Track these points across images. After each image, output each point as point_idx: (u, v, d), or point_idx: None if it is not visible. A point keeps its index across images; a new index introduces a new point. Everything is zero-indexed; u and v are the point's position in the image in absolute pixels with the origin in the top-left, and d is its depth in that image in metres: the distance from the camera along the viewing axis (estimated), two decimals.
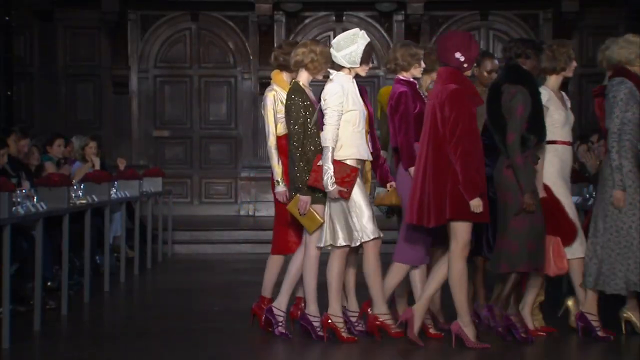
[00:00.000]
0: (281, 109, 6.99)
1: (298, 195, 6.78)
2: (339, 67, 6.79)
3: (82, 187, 8.86)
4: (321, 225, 6.81)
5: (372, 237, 6.87)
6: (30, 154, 9.63)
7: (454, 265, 6.54)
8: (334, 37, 7.35)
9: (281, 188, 7.04)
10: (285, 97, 6.96)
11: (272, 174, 7.06)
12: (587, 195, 8.37)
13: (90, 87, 16.14)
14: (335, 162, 6.63)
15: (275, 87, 7.12)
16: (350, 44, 6.73)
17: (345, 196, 6.71)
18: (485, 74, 7.51)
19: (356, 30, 6.85)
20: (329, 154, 6.63)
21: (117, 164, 12.09)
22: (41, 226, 7.35)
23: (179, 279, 10.66)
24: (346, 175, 6.67)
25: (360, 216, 6.82)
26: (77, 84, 16.10)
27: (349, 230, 6.79)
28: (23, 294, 8.13)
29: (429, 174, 6.54)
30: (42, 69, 15.84)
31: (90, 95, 16.12)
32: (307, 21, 16.13)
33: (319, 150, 6.74)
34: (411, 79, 7.02)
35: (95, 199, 8.95)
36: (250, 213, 15.84)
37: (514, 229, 6.74)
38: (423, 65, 7.03)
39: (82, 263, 8.98)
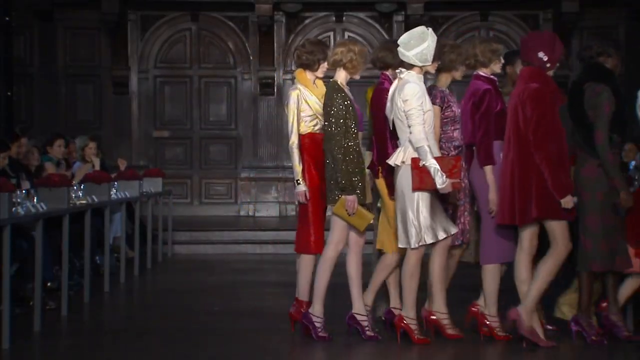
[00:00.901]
0: (305, 107, 6.97)
1: (343, 196, 6.72)
2: (409, 66, 6.75)
3: (82, 187, 8.86)
4: (371, 221, 6.83)
5: (452, 233, 6.80)
6: (29, 154, 9.63)
7: (552, 263, 6.54)
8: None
9: (301, 188, 7.00)
10: (309, 96, 6.95)
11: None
12: None
13: (90, 88, 16.14)
14: (437, 158, 6.58)
15: (299, 86, 7.06)
16: (420, 42, 6.70)
17: (458, 187, 6.70)
18: (518, 73, 7.43)
19: (423, 28, 6.82)
20: (428, 153, 6.56)
21: (118, 165, 12.09)
22: (41, 226, 7.35)
23: (179, 280, 10.66)
24: (452, 166, 6.63)
25: (437, 215, 6.76)
26: (77, 85, 16.11)
27: (445, 224, 6.74)
28: (23, 295, 8.15)
29: (515, 174, 6.56)
30: (42, 69, 15.85)
31: (90, 96, 16.13)
32: (307, 21, 16.13)
33: (355, 151, 6.74)
34: (491, 76, 6.96)
35: (95, 200, 8.95)
36: (250, 213, 15.86)
37: (588, 227, 6.73)
38: (502, 61, 6.99)
39: (82, 263, 8.98)
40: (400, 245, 6.76)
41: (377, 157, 7.04)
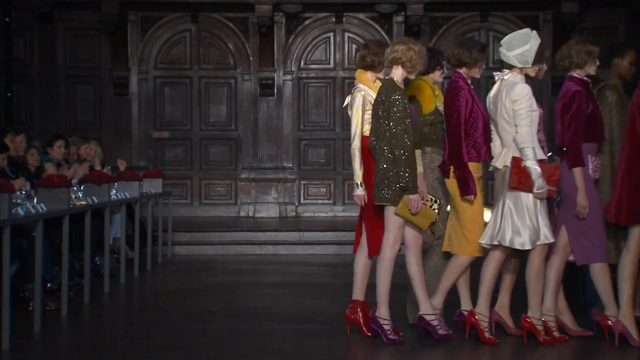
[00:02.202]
0: (369, 109, 6.91)
1: (406, 196, 6.67)
2: (509, 67, 6.71)
3: (82, 188, 8.86)
4: (435, 219, 6.80)
5: (551, 240, 6.76)
6: (29, 154, 9.63)
7: None
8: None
9: (361, 191, 6.94)
10: (374, 96, 6.89)
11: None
12: None
13: (90, 89, 16.14)
14: (538, 162, 6.56)
15: (363, 87, 7.00)
16: (522, 44, 6.67)
17: (553, 195, 6.67)
18: (627, 65, 7.35)
19: (527, 30, 6.77)
20: (532, 154, 6.54)
21: (117, 166, 12.09)
22: (41, 227, 7.36)
23: (179, 280, 10.66)
24: (551, 174, 6.62)
25: (544, 218, 6.72)
26: (77, 86, 16.11)
27: (534, 231, 6.67)
28: (23, 295, 8.15)
29: (625, 175, 6.57)
30: (42, 70, 15.84)
31: (90, 97, 16.13)
32: (307, 22, 16.13)
33: (413, 149, 6.69)
34: (585, 78, 6.92)
35: (96, 200, 8.96)
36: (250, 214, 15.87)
37: None
38: (597, 62, 6.94)
39: (82, 264, 8.98)
40: (505, 245, 6.69)
41: (449, 156, 6.93)
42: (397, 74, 6.81)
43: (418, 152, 7.06)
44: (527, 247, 6.68)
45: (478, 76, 7.10)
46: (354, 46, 16.14)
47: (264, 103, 16.10)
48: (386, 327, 6.82)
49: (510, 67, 6.75)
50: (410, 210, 6.69)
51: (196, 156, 16.26)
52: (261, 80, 15.99)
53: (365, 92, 6.98)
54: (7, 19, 14.32)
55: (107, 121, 16.09)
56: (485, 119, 6.90)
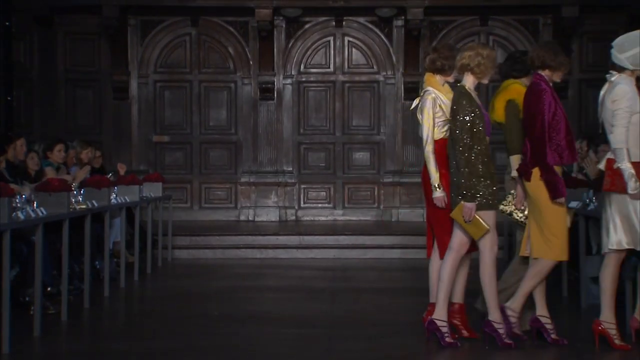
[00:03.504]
0: (439, 112, 6.89)
1: (462, 202, 6.66)
2: (620, 69, 6.67)
3: (82, 192, 8.87)
4: (487, 232, 6.73)
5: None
6: (29, 158, 9.63)
7: None
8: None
9: (439, 193, 6.89)
10: (444, 100, 6.90)
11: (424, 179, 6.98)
12: (587, 201, 8.38)
13: (90, 93, 16.16)
14: (633, 163, 6.52)
15: (433, 90, 6.98)
16: (634, 46, 6.61)
17: None
18: None
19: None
20: (625, 156, 6.51)
21: (117, 169, 12.10)
22: (41, 231, 7.36)
23: (179, 284, 10.67)
24: None
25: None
26: (77, 90, 16.12)
27: (634, 234, 6.61)
28: (23, 300, 8.15)
29: None
30: (42, 74, 15.85)
31: (90, 101, 16.14)
32: (307, 26, 16.15)
33: (484, 156, 6.68)
34: None
35: (95, 204, 8.97)
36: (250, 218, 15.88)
37: None
38: None
39: (82, 268, 8.99)
40: (612, 247, 6.64)
41: (532, 159, 6.86)
42: (469, 80, 6.80)
43: (516, 157, 7.04)
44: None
45: (559, 80, 7.01)
46: (354, 50, 16.17)
47: (264, 107, 16.11)
48: (501, 331, 6.74)
49: (622, 69, 6.66)
50: (463, 217, 6.67)
51: (196, 160, 16.27)
52: (261, 84, 16.01)
53: (435, 94, 6.96)
54: (7, 23, 14.34)
55: (107, 125, 16.10)
56: (567, 122, 6.84)
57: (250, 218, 15.92)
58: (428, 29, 15.95)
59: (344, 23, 16.12)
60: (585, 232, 8.68)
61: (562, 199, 6.74)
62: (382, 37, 16.08)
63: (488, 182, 6.76)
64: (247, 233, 14.00)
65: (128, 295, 9.87)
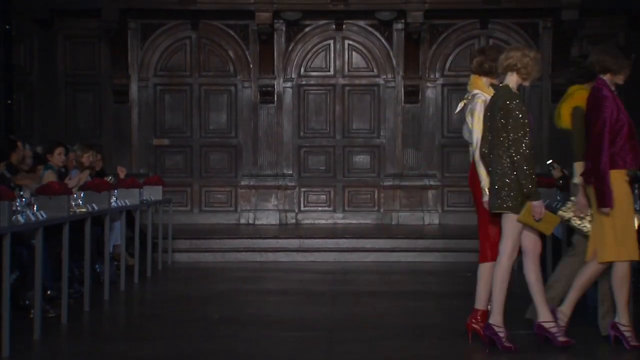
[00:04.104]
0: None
1: (529, 202, 6.59)
2: None
3: (82, 195, 8.87)
4: (559, 222, 6.73)
5: None
6: (25, 158, 9.64)
7: None
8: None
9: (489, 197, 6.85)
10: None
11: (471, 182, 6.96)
12: None
13: (90, 96, 16.17)
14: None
15: (482, 93, 6.94)
16: None
17: None
18: None
19: None
20: None
21: (118, 173, 12.10)
22: (41, 235, 7.36)
23: (179, 287, 10.67)
24: None
25: None
26: (77, 93, 16.13)
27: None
28: (23, 303, 8.16)
29: None
30: (43, 77, 15.87)
31: (90, 104, 16.16)
32: (307, 30, 16.16)
33: (532, 155, 6.62)
34: None
35: (96, 208, 8.96)
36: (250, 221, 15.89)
37: None
38: None
39: (82, 272, 8.99)
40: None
41: (592, 165, 6.83)
42: (513, 80, 6.76)
43: (580, 164, 7.02)
44: None
45: (622, 82, 6.97)
46: (354, 53, 16.18)
47: (264, 110, 16.12)
48: (501, 335, 6.74)
49: None
50: (534, 216, 6.63)
51: (196, 163, 16.28)
52: (261, 88, 16.02)
53: (485, 97, 6.91)
54: (7, 26, 14.36)
55: (107, 128, 16.11)
56: (630, 126, 6.81)
57: (251, 221, 15.92)
58: (428, 32, 15.96)
59: (344, 26, 16.13)
60: None
61: (607, 210, 6.73)
62: (382, 40, 16.09)
63: (535, 181, 6.70)
64: (247, 236, 14.01)
65: (128, 299, 9.87)
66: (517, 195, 6.64)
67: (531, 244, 6.81)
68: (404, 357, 6.79)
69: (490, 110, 6.76)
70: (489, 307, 6.90)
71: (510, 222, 6.70)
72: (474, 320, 6.97)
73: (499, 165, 6.69)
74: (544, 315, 6.81)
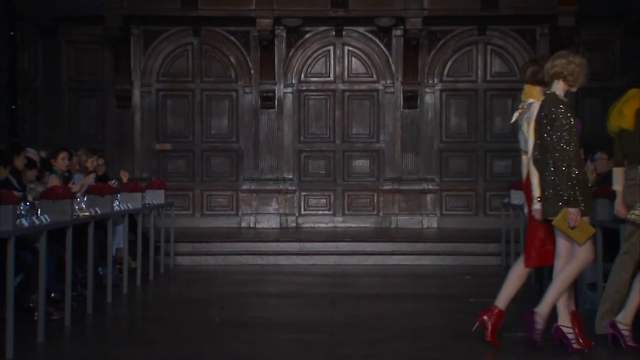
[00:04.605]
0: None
1: (566, 209, 6.55)
2: None
3: (85, 199, 8.86)
4: (593, 234, 6.67)
5: None
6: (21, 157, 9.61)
7: None
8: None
9: (540, 206, 6.79)
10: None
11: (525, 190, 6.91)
12: None
13: (94, 101, 16.17)
14: None
15: (537, 102, 6.87)
16: None
17: None
18: None
19: None
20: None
21: (120, 177, 12.09)
22: (45, 238, 7.35)
23: (180, 290, 10.65)
24: None
25: None
26: (80, 98, 16.13)
27: None
28: (27, 306, 8.14)
29: None
30: (46, 83, 15.86)
31: (93, 109, 16.15)
32: (307, 36, 16.15)
33: (580, 162, 6.62)
34: None
35: (99, 212, 8.95)
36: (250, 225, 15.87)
37: None
38: None
39: (85, 275, 8.97)
40: None
41: None
42: (559, 87, 6.74)
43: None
44: None
45: None
46: (354, 59, 16.17)
47: (265, 115, 16.11)
48: (570, 337, 6.70)
49: None
50: (568, 223, 6.58)
51: (198, 168, 16.27)
52: (262, 93, 16.01)
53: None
54: (12, 33, 14.36)
55: (110, 133, 16.10)
56: None
57: (252, 225, 15.90)
58: (426, 39, 15.95)
59: (343, 33, 16.12)
60: None
61: None
62: (382, 46, 16.08)
63: (583, 189, 6.66)
64: (248, 240, 13.99)
65: (131, 301, 9.85)
66: (557, 200, 6.61)
67: (565, 249, 6.76)
68: (404, 359, 6.77)
69: (539, 117, 6.73)
70: (538, 309, 6.80)
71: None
72: (487, 315, 6.94)
73: (546, 171, 6.67)
74: (563, 320, 6.76)
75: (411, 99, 15.96)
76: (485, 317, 6.93)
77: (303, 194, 16.17)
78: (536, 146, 6.77)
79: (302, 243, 13.57)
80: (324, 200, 16.18)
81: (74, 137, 15.61)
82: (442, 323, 8.23)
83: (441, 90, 16.16)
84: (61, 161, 10.49)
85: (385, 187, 16.04)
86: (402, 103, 16.03)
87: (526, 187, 6.98)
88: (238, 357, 6.89)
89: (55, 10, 15.42)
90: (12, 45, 14.35)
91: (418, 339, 7.43)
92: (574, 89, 6.79)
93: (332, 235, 14.44)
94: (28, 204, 7.37)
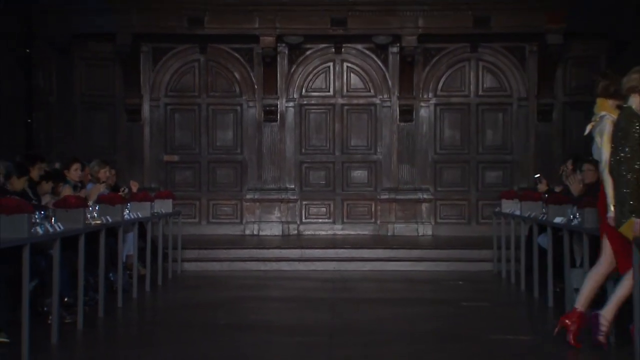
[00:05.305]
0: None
1: (633, 218, 6.49)
2: None
3: (97, 208, 8.86)
4: None
5: None
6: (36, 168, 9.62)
7: None
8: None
9: (614, 213, 6.74)
10: None
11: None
12: (571, 217, 8.35)
13: (105, 115, 16.18)
14: None
15: (610, 115, 6.83)
16: None
17: None
18: None
19: None
20: None
21: (130, 187, 12.09)
22: (58, 246, 7.35)
23: (187, 295, 10.64)
24: None
25: None
26: (92, 113, 16.14)
27: None
28: (41, 310, 8.13)
29: None
30: (61, 98, 15.86)
31: (105, 123, 16.16)
32: (308, 53, 16.17)
33: None
34: None
35: (110, 220, 8.95)
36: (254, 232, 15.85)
37: None
38: None
39: (96, 280, 8.96)
40: None
41: None
42: (635, 102, 6.67)
43: None
44: None
45: None
46: (352, 75, 16.19)
47: (268, 128, 16.12)
48: (602, 328, 6.69)
49: None
50: (634, 232, 6.48)
51: (204, 178, 16.28)
52: (265, 107, 16.02)
53: (613, 119, 6.83)
54: (27, 51, 14.37)
55: (120, 146, 16.11)
56: None
57: (255, 232, 15.90)
58: (421, 56, 15.97)
59: (342, 50, 16.14)
60: (569, 246, 8.65)
61: None
62: (379, 63, 16.09)
63: None
64: (251, 247, 13.98)
65: (140, 306, 9.84)
66: (626, 210, 6.56)
67: (608, 260, 6.77)
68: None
69: (614, 130, 6.70)
70: (603, 312, 6.78)
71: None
72: (568, 319, 6.93)
73: (619, 183, 6.62)
74: (609, 312, 6.71)
75: (407, 113, 15.97)
76: (567, 322, 6.94)
77: (304, 203, 16.17)
78: (613, 156, 6.69)
79: (303, 250, 13.55)
80: (324, 209, 16.17)
81: (87, 149, 15.58)
82: (437, 326, 8.21)
83: (435, 105, 16.17)
84: (74, 172, 10.50)
85: (382, 197, 16.04)
86: (398, 116, 16.03)
87: (600, 199, 6.89)
88: (242, 358, 6.87)
89: (69, 29, 15.44)
90: (28, 62, 14.36)
91: (414, 341, 7.42)
92: None
93: (332, 243, 14.43)
94: (42, 212, 7.37)
